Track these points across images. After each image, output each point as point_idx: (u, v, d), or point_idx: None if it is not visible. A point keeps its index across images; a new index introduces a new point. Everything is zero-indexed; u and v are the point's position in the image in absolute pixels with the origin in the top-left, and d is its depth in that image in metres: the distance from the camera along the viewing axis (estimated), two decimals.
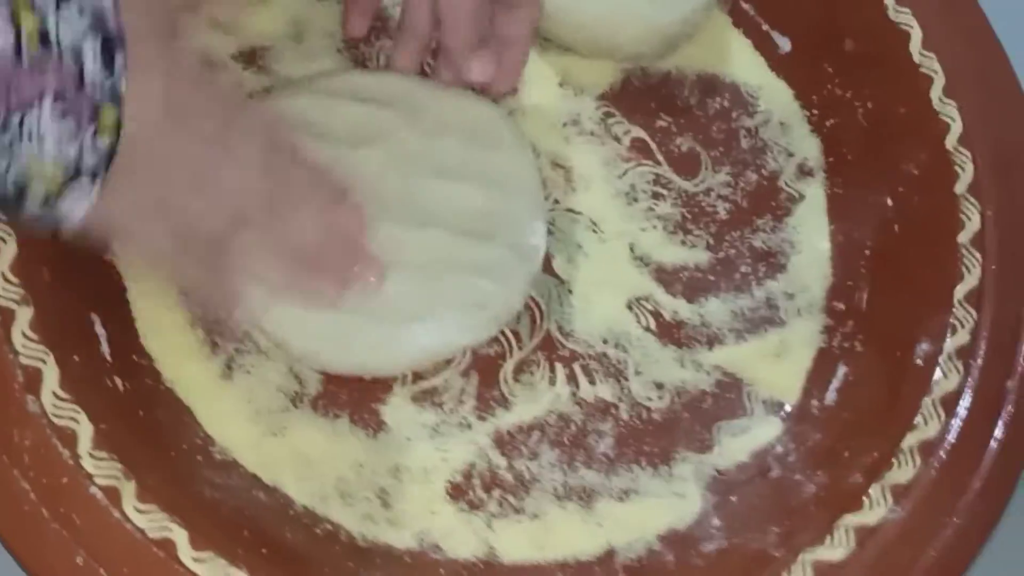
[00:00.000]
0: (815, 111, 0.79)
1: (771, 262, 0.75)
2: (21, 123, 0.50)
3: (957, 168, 0.72)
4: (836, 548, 0.62)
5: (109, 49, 0.51)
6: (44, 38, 0.49)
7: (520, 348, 0.70)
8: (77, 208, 0.54)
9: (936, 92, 0.73)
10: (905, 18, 0.75)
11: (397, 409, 0.67)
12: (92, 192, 0.54)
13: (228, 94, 0.62)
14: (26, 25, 0.49)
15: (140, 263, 0.66)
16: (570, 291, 0.72)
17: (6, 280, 0.61)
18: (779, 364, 0.72)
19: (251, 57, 0.74)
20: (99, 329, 0.64)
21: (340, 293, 0.65)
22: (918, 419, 0.65)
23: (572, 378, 0.70)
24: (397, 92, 0.72)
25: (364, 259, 0.66)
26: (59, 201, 0.53)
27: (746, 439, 0.70)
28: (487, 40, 0.71)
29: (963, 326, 0.68)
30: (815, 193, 0.77)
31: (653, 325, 0.72)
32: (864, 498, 0.63)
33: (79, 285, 0.64)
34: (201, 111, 0.58)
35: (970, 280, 0.69)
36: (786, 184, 0.78)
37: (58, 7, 0.50)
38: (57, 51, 0.50)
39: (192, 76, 0.58)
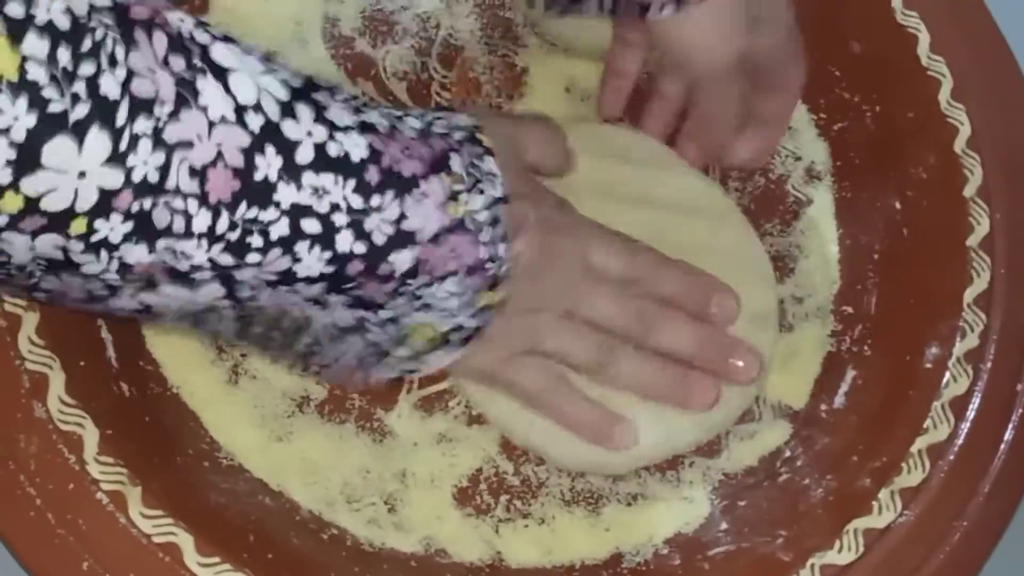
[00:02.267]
0: (822, 115, 0.79)
1: (779, 266, 0.74)
2: (426, 296, 0.56)
3: (966, 171, 0.71)
4: (845, 552, 0.62)
5: (502, 237, 0.57)
6: (463, 225, 0.55)
7: None
8: (434, 365, 0.61)
9: (944, 95, 0.73)
10: (913, 21, 0.75)
11: (404, 414, 0.67)
12: (454, 355, 0.60)
13: (578, 221, 0.65)
14: (454, 212, 0.55)
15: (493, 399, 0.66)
16: None
17: None
18: (787, 368, 0.72)
19: None
20: (105, 335, 0.64)
21: (718, 390, 0.66)
22: (927, 423, 0.65)
23: None
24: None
25: (742, 352, 0.67)
26: (418, 361, 0.60)
27: (754, 443, 0.69)
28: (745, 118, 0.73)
29: (972, 330, 0.67)
30: (823, 197, 0.77)
31: None
32: (873, 502, 0.63)
33: None
34: (562, 244, 0.62)
35: (979, 284, 0.69)
36: (794, 188, 0.77)
37: (469, 196, 0.55)
38: (471, 235, 0.55)
39: (551, 215, 0.62)
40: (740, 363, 0.66)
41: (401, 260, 0.53)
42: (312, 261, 0.51)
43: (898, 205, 0.74)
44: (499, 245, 0.57)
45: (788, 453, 0.69)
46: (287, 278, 0.51)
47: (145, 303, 0.50)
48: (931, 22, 0.75)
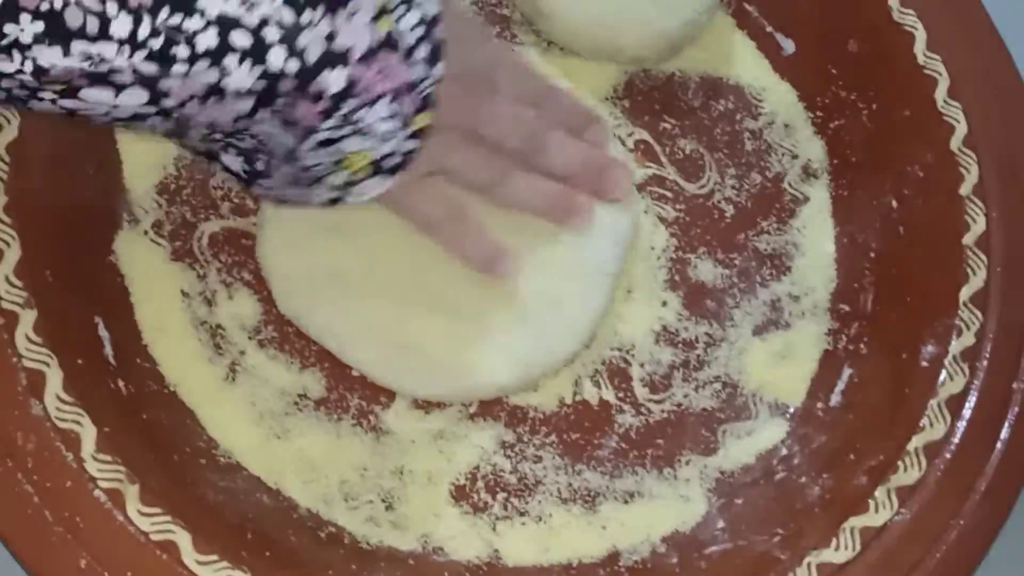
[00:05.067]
0: (819, 113, 0.79)
1: (776, 264, 0.75)
2: (359, 119, 0.54)
3: (962, 170, 0.71)
4: (841, 551, 0.62)
5: (434, 57, 0.56)
6: (392, 42, 0.53)
7: None
8: (367, 194, 0.60)
9: (940, 94, 0.73)
10: (909, 19, 0.75)
11: (401, 412, 0.67)
12: (387, 183, 0.59)
13: (491, 41, 0.69)
14: (382, 29, 0.53)
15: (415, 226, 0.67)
16: None
17: (9, 283, 0.60)
18: (784, 366, 0.72)
19: None
20: (102, 332, 0.64)
21: (592, 210, 0.68)
22: (923, 421, 0.65)
23: (577, 381, 0.70)
24: None
25: (618, 168, 0.70)
26: (353, 188, 0.59)
27: (751, 441, 0.70)
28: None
29: (968, 328, 0.67)
30: (820, 195, 0.77)
31: (657, 327, 0.72)
32: (869, 500, 0.63)
33: (83, 288, 0.64)
34: (476, 65, 0.63)
35: (975, 282, 0.69)
36: (790, 186, 0.77)
37: (404, 14, 0.54)
38: (399, 55, 0.54)
39: (464, 30, 0.63)
40: (616, 178, 0.69)
41: (333, 80, 0.52)
42: (242, 76, 0.49)
43: (895, 203, 0.74)
44: (430, 65, 0.56)
45: (785, 451, 0.69)
46: (214, 91, 0.50)
47: (67, 108, 0.49)
48: (927, 20, 0.75)
